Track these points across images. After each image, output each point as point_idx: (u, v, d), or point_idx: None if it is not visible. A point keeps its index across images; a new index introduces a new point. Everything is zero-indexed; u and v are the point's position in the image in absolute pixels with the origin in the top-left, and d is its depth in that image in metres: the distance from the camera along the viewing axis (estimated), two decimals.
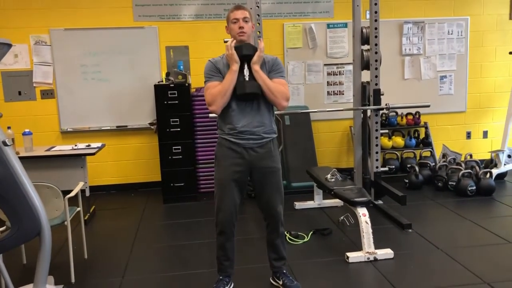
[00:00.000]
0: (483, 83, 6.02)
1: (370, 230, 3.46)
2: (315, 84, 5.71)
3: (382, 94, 4.53)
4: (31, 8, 5.17)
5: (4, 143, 2.06)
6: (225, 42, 2.81)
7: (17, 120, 5.17)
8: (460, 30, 5.85)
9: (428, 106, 4.56)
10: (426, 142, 5.86)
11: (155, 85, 5.00)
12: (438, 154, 5.82)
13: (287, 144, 5.34)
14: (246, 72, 2.76)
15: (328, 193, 4.00)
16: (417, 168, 5.23)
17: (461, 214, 4.38)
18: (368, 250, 3.42)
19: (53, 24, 5.22)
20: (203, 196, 5.19)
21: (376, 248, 3.45)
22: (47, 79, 5.29)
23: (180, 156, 5.03)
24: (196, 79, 5.31)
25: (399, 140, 5.77)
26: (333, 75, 5.74)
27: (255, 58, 2.75)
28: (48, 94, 5.33)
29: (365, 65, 4.60)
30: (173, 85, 4.97)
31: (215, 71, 2.79)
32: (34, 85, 5.29)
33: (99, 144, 4.57)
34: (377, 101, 4.51)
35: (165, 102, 4.95)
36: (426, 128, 5.88)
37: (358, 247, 3.55)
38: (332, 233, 3.98)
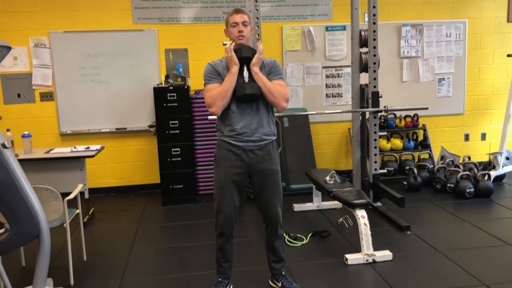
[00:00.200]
0: (481, 86, 6.03)
1: (369, 232, 3.47)
2: (314, 86, 5.72)
3: (381, 97, 4.54)
4: (30, 11, 5.18)
5: (3, 146, 2.06)
6: (224, 45, 2.82)
7: (17, 123, 5.17)
8: (458, 32, 5.87)
9: (427, 108, 4.57)
10: (424, 144, 5.87)
11: (154, 88, 5.01)
12: (436, 156, 5.84)
13: (286, 146, 5.35)
14: (245, 74, 2.78)
15: (327, 195, 4.00)
16: (415, 170, 5.24)
17: (459, 216, 4.39)
18: (367, 252, 3.43)
19: (52, 27, 5.23)
20: (202, 198, 5.20)
21: (375, 250, 3.45)
22: (46, 81, 5.30)
23: (179, 158, 5.03)
24: (195, 82, 5.32)
25: (397, 142, 5.78)
26: (332, 77, 5.75)
27: (254, 60, 2.77)
28: (47, 96, 5.33)
29: (364, 68, 4.61)
30: (172, 88, 4.98)
31: (215, 74, 2.81)
32: (33, 87, 5.30)
33: (98, 147, 4.58)
34: (376, 103, 4.52)
35: (164, 105, 4.96)
36: (425, 130, 5.89)
37: (357, 249, 3.55)
38: (331, 235, 3.98)
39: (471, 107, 6.04)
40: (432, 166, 5.48)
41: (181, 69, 5.30)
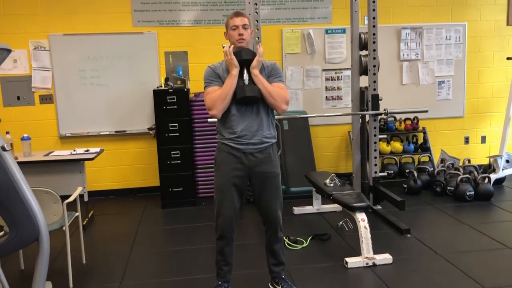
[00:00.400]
0: (481, 89, 6.04)
1: (369, 235, 3.46)
2: (314, 89, 5.73)
3: (381, 99, 4.54)
4: (30, 14, 5.18)
5: (3, 148, 2.06)
6: (223, 47, 2.82)
7: (16, 125, 5.17)
8: (457, 35, 5.87)
9: (426, 111, 4.57)
10: (424, 147, 5.86)
11: (154, 90, 5.01)
12: (436, 159, 5.83)
13: (286, 149, 5.34)
14: (245, 76, 2.78)
15: (327, 198, 4.00)
16: (415, 173, 5.24)
17: (459, 219, 4.38)
18: (367, 255, 3.42)
19: (52, 30, 5.23)
20: (202, 201, 5.19)
21: (375, 253, 3.45)
22: (46, 84, 5.30)
23: (179, 161, 5.03)
24: (195, 84, 5.32)
25: (397, 145, 5.77)
26: (332, 80, 5.75)
27: (254, 62, 2.76)
28: (47, 99, 5.33)
29: (363, 71, 4.61)
30: (172, 90, 4.98)
31: (215, 77, 2.81)
32: (33, 90, 5.30)
33: (97, 149, 4.57)
34: (376, 106, 4.52)
35: (164, 107, 4.96)
36: (425, 133, 5.89)
37: (357, 252, 3.55)
38: (331, 238, 3.97)
39: (471, 110, 6.04)
40: (432, 169, 5.48)
41: (181, 72, 5.30)
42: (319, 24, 5.66)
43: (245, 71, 2.78)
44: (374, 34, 4.44)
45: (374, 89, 4.51)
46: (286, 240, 3.80)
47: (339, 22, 5.64)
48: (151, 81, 5.36)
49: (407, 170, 5.44)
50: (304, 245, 3.85)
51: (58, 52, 5.26)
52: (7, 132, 4.35)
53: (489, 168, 5.52)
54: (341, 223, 4.16)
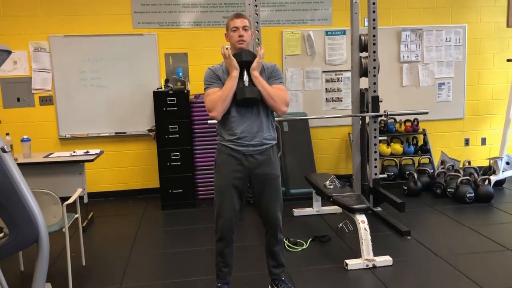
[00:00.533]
0: (481, 90, 6.04)
1: (369, 237, 3.46)
2: (314, 91, 5.73)
3: (381, 101, 4.54)
4: (30, 15, 5.19)
5: (3, 150, 2.05)
6: (226, 49, 2.82)
7: (16, 127, 5.17)
8: (457, 37, 5.88)
9: (427, 113, 4.57)
10: (424, 149, 5.86)
11: (154, 92, 5.01)
12: (436, 161, 5.83)
13: (286, 150, 5.34)
14: (245, 78, 2.78)
15: (327, 200, 3.99)
16: (415, 175, 5.24)
17: (459, 221, 4.38)
18: (367, 257, 3.42)
19: (52, 31, 5.23)
20: (202, 203, 5.19)
21: (375, 255, 3.44)
22: (46, 85, 5.30)
23: (179, 163, 5.03)
24: (195, 86, 5.32)
25: (397, 147, 5.77)
26: (332, 82, 5.76)
27: (254, 64, 2.76)
28: (46, 100, 5.33)
29: (364, 72, 4.61)
30: (172, 92, 4.98)
31: (215, 78, 2.81)
32: (33, 91, 5.30)
33: (97, 151, 4.57)
34: (376, 108, 4.52)
35: (164, 109, 4.96)
36: (425, 135, 5.89)
37: (357, 254, 3.54)
38: (331, 240, 3.97)
39: (471, 111, 6.04)
40: (432, 170, 5.47)
41: (180, 74, 5.30)
42: (319, 25, 5.66)
43: (245, 72, 2.78)
44: (374, 36, 4.44)
45: (374, 91, 4.51)
46: (286, 242, 3.79)
47: (339, 24, 5.64)
48: (151, 82, 5.36)
49: (407, 172, 5.44)
50: (304, 247, 3.84)
51: (58, 53, 5.26)
52: (7, 134, 4.35)
53: (489, 170, 5.51)
54: (341, 225, 4.16)
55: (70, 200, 3.29)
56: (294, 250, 3.78)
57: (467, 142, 6.12)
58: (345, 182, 4.28)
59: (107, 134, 5.44)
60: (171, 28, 5.43)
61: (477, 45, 5.94)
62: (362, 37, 4.58)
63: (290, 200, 4.95)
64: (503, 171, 5.37)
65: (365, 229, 3.46)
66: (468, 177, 4.98)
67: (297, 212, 4.68)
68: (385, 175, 5.08)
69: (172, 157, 5.01)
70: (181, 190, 5.06)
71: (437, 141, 5.98)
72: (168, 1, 5.37)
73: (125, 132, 5.46)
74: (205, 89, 2.83)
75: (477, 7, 5.89)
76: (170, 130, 4.98)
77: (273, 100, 2.75)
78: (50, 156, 4.46)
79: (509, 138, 5.38)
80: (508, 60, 5.43)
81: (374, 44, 4.46)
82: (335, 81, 5.76)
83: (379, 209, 4.61)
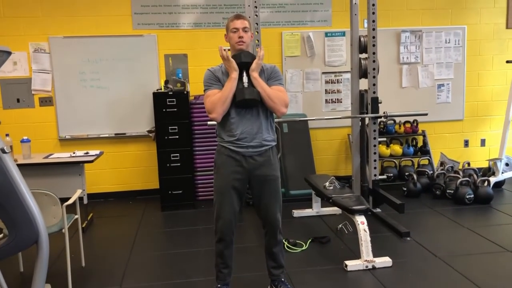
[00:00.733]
0: (480, 92, 6.04)
1: (369, 238, 3.46)
2: (313, 92, 5.73)
3: (380, 102, 4.55)
4: (30, 16, 5.19)
5: (3, 151, 2.06)
6: (228, 50, 2.82)
7: (16, 128, 5.17)
8: (457, 39, 5.89)
9: (426, 114, 4.58)
10: (424, 150, 5.87)
11: (154, 93, 5.01)
12: (436, 162, 5.84)
13: (285, 152, 5.34)
14: (245, 79, 2.78)
15: (327, 201, 3.99)
16: (415, 176, 5.24)
17: (459, 222, 4.38)
18: (366, 258, 3.42)
19: (52, 32, 5.23)
20: (201, 204, 5.19)
21: (374, 256, 3.44)
22: (45, 86, 5.30)
23: (179, 164, 5.03)
24: (194, 87, 5.33)
25: (397, 148, 5.78)
26: (331, 83, 5.76)
27: (253, 65, 2.77)
28: (46, 101, 5.33)
29: (363, 74, 4.61)
30: (171, 93, 4.98)
31: (215, 80, 2.81)
32: (32, 92, 5.30)
33: (97, 152, 4.57)
34: (375, 109, 4.52)
35: (164, 110, 4.96)
36: (424, 136, 5.89)
37: (356, 255, 3.54)
38: (330, 241, 3.97)
39: (470, 113, 6.05)
40: (431, 172, 5.47)
41: (180, 75, 5.31)
42: (319, 27, 5.67)
43: (244, 74, 2.78)
44: (373, 37, 4.45)
45: (374, 92, 4.52)
46: (286, 243, 3.80)
47: (339, 25, 5.65)
48: (151, 83, 5.37)
49: (406, 173, 5.44)
50: (304, 248, 3.84)
51: (58, 54, 5.26)
52: (7, 135, 4.35)
53: (489, 171, 5.52)
54: (340, 226, 4.16)
55: (70, 201, 3.29)
56: (293, 251, 3.79)
57: (466, 143, 6.12)
58: (345, 183, 4.29)
59: (107, 135, 5.44)
60: (171, 29, 5.43)
61: (476, 47, 5.95)
62: (362, 39, 4.59)
63: (290, 201, 4.96)
64: (502, 173, 5.38)
65: (364, 230, 3.46)
66: (467, 179, 4.98)
67: (297, 213, 4.69)
68: (384, 176, 5.08)
69: (172, 158, 5.01)
70: (180, 191, 5.06)
71: (436, 142, 5.99)
72: (168, 2, 5.38)
73: (124, 133, 5.47)
74: (204, 90, 2.83)
75: (476, 9, 5.90)
76: (170, 131, 4.99)
77: (272, 101, 2.76)
78: (50, 157, 4.47)
79: (509, 139, 5.39)
80: (507, 62, 5.44)
81: (373, 45, 4.46)
82: (335, 83, 5.76)
83: (378, 210, 4.61)
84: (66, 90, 5.32)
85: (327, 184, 4.11)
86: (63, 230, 3.18)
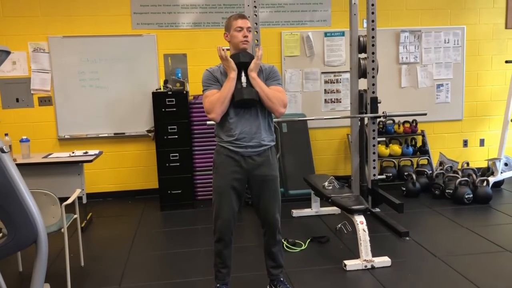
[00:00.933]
0: (479, 92, 6.05)
1: (368, 238, 3.46)
2: (313, 92, 5.73)
3: (379, 102, 4.55)
4: (29, 16, 5.19)
5: (2, 150, 2.05)
6: (228, 49, 2.82)
7: (15, 127, 5.17)
8: (456, 39, 5.89)
9: (425, 114, 4.58)
10: (423, 150, 5.87)
11: (153, 93, 5.01)
12: (435, 162, 5.84)
13: (285, 151, 5.35)
14: (243, 79, 2.78)
15: (326, 200, 4.00)
16: (414, 176, 5.24)
17: (458, 222, 4.38)
18: (365, 258, 3.42)
19: (51, 32, 5.23)
20: (201, 204, 5.19)
21: (373, 256, 3.45)
22: (45, 86, 5.30)
23: (178, 164, 5.03)
24: (194, 87, 5.33)
25: (396, 148, 5.78)
26: (331, 83, 5.76)
27: (252, 65, 2.76)
28: (45, 101, 5.33)
29: (362, 73, 4.61)
30: (171, 93, 4.98)
31: (213, 80, 2.81)
32: (32, 92, 5.30)
33: (96, 151, 4.57)
34: (374, 109, 4.53)
35: (163, 110, 4.96)
36: (423, 136, 5.90)
37: (355, 255, 3.55)
38: (329, 241, 3.97)
39: (469, 113, 6.05)
40: (430, 172, 5.48)
41: (180, 74, 5.31)
42: (318, 27, 5.67)
43: (243, 74, 2.78)
44: (373, 37, 4.45)
45: (373, 92, 4.52)
46: (285, 242, 3.80)
47: (338, 25, 5.65)
48: (150, 83, 5.37)
49: (405, 173, 5.44)
50: (303, 247, 3.84)
51: (57, 54, 5.26)
52: (6, 134, 4.35)
53: (488, 171, 5.52)
54: (339, 225, 4.16)
55: (69, 201, 3.29)
56: (292, 250, 3.79)
57: (465, 143, 6.13)
58: (344, 183, 4.29)
59: (106, 135, 5.44)
60: (170, 29, 5.43)
61: (475, 47, 5.95)
62: (361, 38, 4.59)
63: (289, 201, 4.96)
64: (501, 172, 5.38)
65: (363, 230, 3.46)
66: (466, 178, 4.99)
67: (296, 213, 4.69)
68: (383, 176, 5.07)
69: (171, 158, 5.01)
70: (180, 191, 5.06)
71: (435, 142, 5.99)
72: (167, 2, 5.38)
73: (124, 133, 5.46)
74: (203, 91, 2.83)
75: (475, 9, 5.90)
76: (169, 131, 4.99)
77: (270, 101, 2.76)
78: (49, 156, 4.46)
79: (508, 139, 5.40)
80: (506, 62, 5.44)
81: (373, 45, 4.46)
82: (334, 82, 5.77)
83: (377, 210, 4.61)
84: (65, 89, 5.32)
85: (326, 184, 4.11)
86: (62, 230, 3.18)
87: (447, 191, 5.04)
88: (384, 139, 5.69)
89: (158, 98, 4.97)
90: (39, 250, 2.14)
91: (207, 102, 2.76)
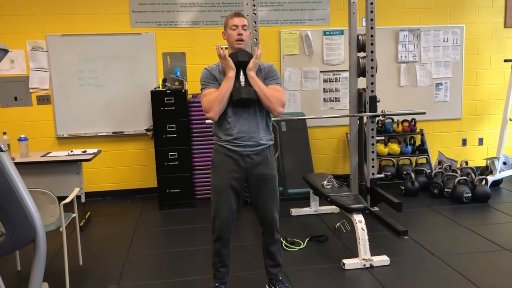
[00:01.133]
0: (478, 91, 6.05)
1: (366, 237, 3.46)
2: (312, 90, 5.73)
3: (378, 101, 4.55)
4: (28, 14, 5.18)
5: (0, 149, 2.05)
6: (226, 48, 2.82)
7: (13, 126, 5.16)
8: (455, 37, 5.89)
9: (424, 113, 4.58)
10: (422, 149, 5.87)
11: (151, 91, 5.00)
12: (434, 161, 5.84)
13: (284, 150, 5.34)
14: (242, 78, 2.77)
15: (325, 199, 4.00)
16: (413, 175, 5.25)
17: (456, 221, 4.39)
18: (364, 257, 3.42)
19: (50, 30, 5.22)
20: (199, 203, 5.18)
21: (372, 255, 3.45)
22: (43, 84, 5.29)
23: (177, 162, 5.02)
24: (192, 86, 5.32)
25: (395, 147, 5.78)
26: (329, 82, 5.76)
27: (250, 64, 2.76)
28: (44, 99, 5.32)
29: (361, 72, 4.61)
30: (169, 91, 4.98)
31: (211, 79, 2.80)
32: (30, 90, 5.29)
33: (95, 150, 4.56)
34: (373, 108, 4.53)
35: (162, 108, 4.95)
36: (422, 135, 5.90)
37: (354, 254, 3.55)
38: (328, 239, 3.97)
39: (468, 112, 6.06)
40: (429, 171, 5.48)
41: (178, 73, 5.30)
42: (317, 25, 5.66)
43: (241, 73, 2.77)
44: (372, 36, 4.45)
45: (372, 91, 4.52)
46: (284, 241, 3.80)
47: (337, 24, 5.65)
48: (149, 82, 5.36)
49: (404, 172, 5.45)
50: (302, 246, 3.84)
51: (56, 52, 5.25)
52: (4, 133, 4.34)
53: (487, 170, 5.53)
54: (338, 224, 4.16)
55: (68, 200, 3.28)
56: (291, 249, 3.79)
57: (464, 142, 6.13)
58: (343, 182, 4.29)
59: (105, 134, 5.43)
60: (169, 27, 5.42)
61: (474, 46, 5.96)
62: (360, 37, 4.59)
63: (288, 200, 4.96)
64: (500, 171, 5.39)
65: (362, 228, 3.46)
66: (465, 177, 4.99)
67: (295, 211, 4.69)
68: (382, 175, 5.09)
69: (170, 157, 5.01)
70: (178, 190, 5.06)
71: (434, 141, 5.99)
72: (166, 1, 5.37)
73: (122, 132, 5.46)
74: (201, 89, 2.82)
75: (474, 8, 5.90)
76: (168, 129, 4.98)
77: (269, 100, 2.75)
78: (48, 155, 4.46)
79: (506, 138, 5.41)
80: (505, 61, 5.44)
81: (372, 44, 4.46)
82: (333, 81, 5.76)
83: (376, 209, 4.61)
84: (63, 88, 5.31)
85: (325, 182, 4.11)
86: (61, 229, 3.18)
87: (446, 190, 5.04)
88: (383, 138, 5.71)
89: (156, 96, 4.96)
90: (37, 249, 2.13)
91: (205, 101, 2.75)
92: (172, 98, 4.96)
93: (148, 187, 5.52)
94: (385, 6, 5.64)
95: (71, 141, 5.35)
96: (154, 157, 5.05)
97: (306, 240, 3.93)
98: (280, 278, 3.04)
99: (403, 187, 5.26)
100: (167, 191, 5.04)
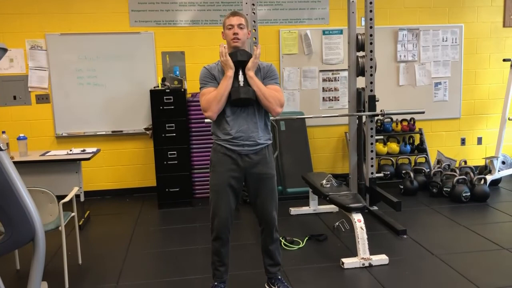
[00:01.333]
0: (477, 90, 6.06)
1: (365, 236, 3.46)
2: (311, 90, 5.73)
3: (377, 100, 4.55)
4: (27, 13, 5.17)
5: None
6: (223, 47, 2.82)
7: (12, 125, 5.16)
8: (454, 37, 5.89)
9: (423, 112, 4.58)
10: (421, 148, 5.88)
11: (151, 90, 5.00)
12: (433, 160, 5.85)
13: (283, 149, 5.34)
14: (240, 78, 2.77)
15: (324, 199, 4.00)
16: (412, 174, 5.25)
17: (455, 220, 4.39)
18: (363, 256, 3.43)
19: (49, 29, 5.22)
20: (198, 202, 5.19)
21: (371, 254, 3.45)
22: (42, 83, 5.28)
23: (176, 161, 5.02)
24: (192, 85, 5.32)
25: (394, 146, 5.79)
26: (329, 81, 5.76)
27: (249, 64, 2.76)
28: (43, 98, 5.32)
29: (361, 72, 4.62)
30: (169, 91, 4.98)
31: (210, 78, 2.81)
32: (29, 89, 5.28)
33: (94, 149, 4.56)
34: (372, 107, 4.53)
35: (161, 107, 4.95)
36: (421, 134, 5.91)
37: (353, 253, 3.55)
38: (327, 239, 3.98)
39: (467, 111, 6.06)
40: (428, 170, 5.49)
41: (177, 72, 5.30)
42: (317, 25, 5.66)
43: (240, 72, 2.77)
44: (371, 35, 4.45)
45: (371, 90, 4.52)
46: (283, 240, 3.80)
47: (336, 23, 5.65)
48: (148, 81, 5.36)
49: (403, 171, 5.45)
50: (301, 245, 3.85)
51: (55, 51, 5.24)
52: (3, 132, 4.34)
53: (485, 169, 5.54)
54: (337, 223, 4.17)
55: (67, 199, 3.28)
56: (290, 248, 3.79)
57: (463, 141, 6.14)
58: (342, 181, 4.29)
59: (104, 133, 5.43)
60: (168, 26, 5.42)
61: (473, 45, 5.96)
62: (359, 37, 4.59)
63: (287, 199, 4.96)
64: (499, 171, 5.40)
65: (361, 228, 3.47)
66: (464, 177, 5.00)
67: (294, 211, 4.69)
68: (381, 174, 5.09)
69: (169, 156, 5.01)
70: (177, 189, 5.06)
71: (433, 140, 6.00)
72: (165, 0, 5.36)
73: (121, 131, 5.46)
74: (200, 88, 2.83)
75: (473, 7, 5.91)
76: (167, 128, 4.98)
77: (267, 100, 2.75)
78: (47, 154, 4.45)
79: (505, 137, 5.41)
80: (504, 60, 5.44)
81: (371, 43, 4.46)
82: (332, 81, 5.76)
83: (375, 208, 4.62)
84: (62, 87, 5.31)
85: (324, 182, 4.11)
86: (60, 228, 3.18)
87: (444, 189, 5.05)
88: (382, 137, 5.71)
89: (156, 96, 4.96)
90: (36, 248, 2.14)
91: (204, 100, 2.76)
92: (171, 97, 4.96)
93: (147, 186, 5.52)
94: (384, 5, 5.64)
95: (70, 140, 5.35)
96: (153, 156, 5.05)
97: (305, 239, 3.94)
98: (279, 277, 3.04)
99: (402, 186, 5.26)
100: (166, 190, 5.05)
